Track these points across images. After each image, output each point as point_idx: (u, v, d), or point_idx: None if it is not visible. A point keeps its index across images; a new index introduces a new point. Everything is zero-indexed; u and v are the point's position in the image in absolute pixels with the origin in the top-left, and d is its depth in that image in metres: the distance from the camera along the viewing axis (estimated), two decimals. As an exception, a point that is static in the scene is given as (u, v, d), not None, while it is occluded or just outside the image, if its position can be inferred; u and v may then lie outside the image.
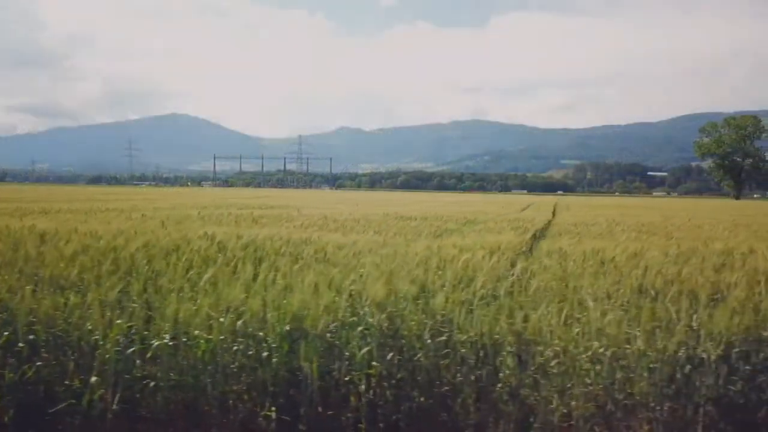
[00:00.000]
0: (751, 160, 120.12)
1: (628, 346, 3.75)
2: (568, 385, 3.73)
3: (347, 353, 3.70)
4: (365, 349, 3.65)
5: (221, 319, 3.82)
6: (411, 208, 22.95)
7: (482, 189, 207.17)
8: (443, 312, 3.88)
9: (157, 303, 4.07)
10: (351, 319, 3.85)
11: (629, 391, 3.74)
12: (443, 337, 3.78)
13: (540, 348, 3.73)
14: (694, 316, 3.97)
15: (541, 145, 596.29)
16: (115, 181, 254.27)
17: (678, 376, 3.72)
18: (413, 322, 3.83)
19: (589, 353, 3.73)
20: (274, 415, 3.57)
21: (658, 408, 3.69)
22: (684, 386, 3.72)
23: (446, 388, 3.81)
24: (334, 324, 3.83)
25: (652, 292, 4.53)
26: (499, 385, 3.77)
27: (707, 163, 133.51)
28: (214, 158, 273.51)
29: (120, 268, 4.94)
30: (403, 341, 3.82)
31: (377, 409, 3.78)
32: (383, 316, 3.79)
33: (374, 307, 3.82)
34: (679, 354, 3.72)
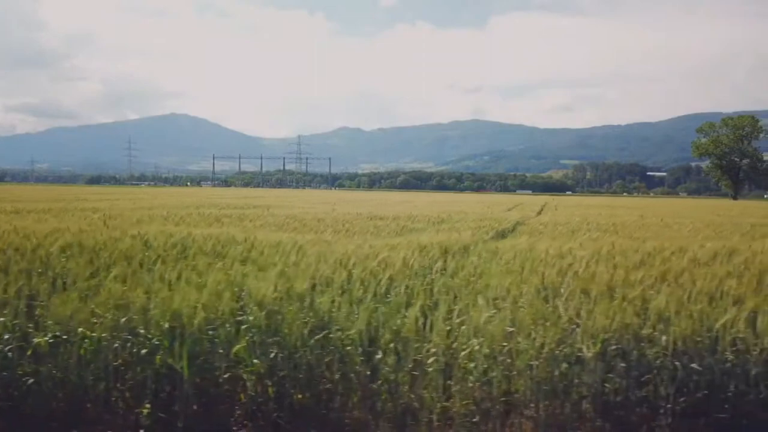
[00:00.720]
0: (748, 160, 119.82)
1: (505, 344, 3.77)
2: (448, 383, 3.75)
3: (221, 350, 3.72)
4: (238, 346, 3.67)
5: (107, 316, 3.84)
6: (392, 209, 22.95)
7: (481, 189, 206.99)
8: (327, 310, 3.90)
9: (50, 301, 4.09)
10: (232, 317, 3.87)
11: (507, 389, 3.76)
12: (321, 335, 3.80)
13: (417, 346, 3.75)
14: (579, 314, 3.99)
15: (540, 145, 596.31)
16: (114, 181, 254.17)
17: (555, 373, 3.74)
18: (295, 320, 3.85)
19: (467, 351, 3.75)
20: (148, 412, 3.59)
21: (533, 405, 3.72)
22: (561, 383, 3.74)
23: (328, 385, 3.83)
24: (217, 321, 3.85)
25: (550, 291, 4.54)
26: (379, 382, 3.79)
27: (705, 164, 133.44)
28: (213, 158, 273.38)
29: (32, 267, 4.97)
30: (285, 339, 3.84)
31: (259, 407, 3.81)
32: (263, 313, 3.81)
33: (256, 304, 3.85)
34: (557, 351, 3.74)
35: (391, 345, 3.77)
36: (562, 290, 4.55)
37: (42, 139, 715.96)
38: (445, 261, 6.07)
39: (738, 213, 30.33)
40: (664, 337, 3.78)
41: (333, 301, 3.95)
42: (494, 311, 3.91)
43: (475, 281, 5.01)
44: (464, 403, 3.73)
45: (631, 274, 5.10)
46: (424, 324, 3.90)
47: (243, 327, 3.86)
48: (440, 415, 3.74)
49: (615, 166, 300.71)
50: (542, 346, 3.72)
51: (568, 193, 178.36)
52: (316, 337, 3.77)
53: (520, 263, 5.97)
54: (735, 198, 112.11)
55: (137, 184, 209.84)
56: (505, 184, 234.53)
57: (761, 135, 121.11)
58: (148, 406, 3.61)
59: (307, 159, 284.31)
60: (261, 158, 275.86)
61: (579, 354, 3.74)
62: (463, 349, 3.74)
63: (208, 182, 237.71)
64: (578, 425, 3.78)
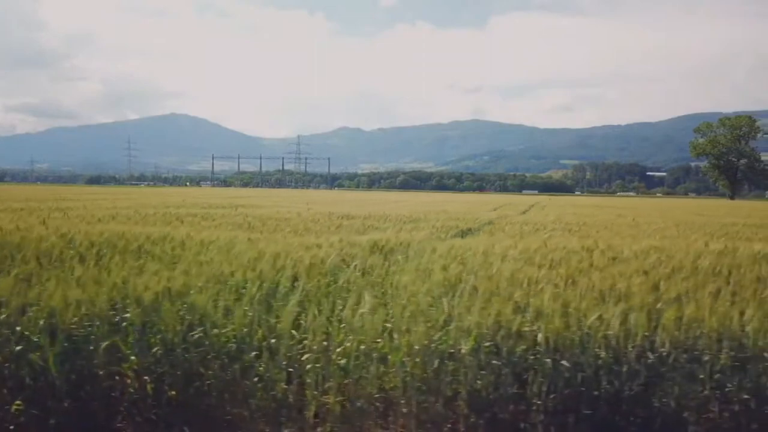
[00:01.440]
0: (745, 161, 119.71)
1: (380, 341, 3.78)
2: (323, 380, 3.76)
3: (93, 347, 3.73)
4: (106, 343, 3.68)
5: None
6: (371, 208, 22.98)
7: (481, 189, 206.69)
8: (203, 308, 3.91)
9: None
10: (111, 314, 3.89)
11: (381, 385, 3.77)
12: (197, 332, 3.81)
13: (291, 343, 3.76)
14: (465, 311, 4.00)
15: (540, 145, 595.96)
16: (114, 181, 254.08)
17: (429, 369, 3.75)
18: (172, 318, 3.86)
19: (341, 348, 3.76)
20: (17, 409, 3.60)
21: (405, 402, 3.73)
22: (435, 380, 3.75)
23: (207, 382, 3.84)
24: (95, 318, 3.86)
25: (448, 288, 4.54)
26: (255, 379, 3.80)
27: (703, 164, 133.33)
28: (213, 158, 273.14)
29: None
30: (164, 336, 3.85)
31: (137, 404, 3.81)
32: (138, 310, 3.82)
33: (134, 301, 3.86)
34: (431, 348, 3.75)
35: (265, 343, 3.78)
36: (459, 288, 4.56)
37: (42, 139, 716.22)
38: (367, 259, 6.08)
39: (724, 213, 30.34)
40: (539, 335, 3.78)
41: (215, 300, 3.96)
42: (370, 308, 3.91)
43: (381, 279, 5.03)
44: (339, 399, 3.74)
45: (541, 272, 5.12)
46: (320, 321, 3.90)
47: (124, 324, 3.87)
48: (317, 411, 3.75)
49: (615, 166, 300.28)
50: (415, 342, 3.73)
51: (576, 193, 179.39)
52: (192, 334, 3.79)
53: (442, 262, 5.98)
54: (732, 198, 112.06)
55: (137, 184, 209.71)
56: (504, 184, 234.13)
57: (758, 135, 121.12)
58: (18, 403, 3.62)
59: (306, 159, 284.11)
60: (260, 158, 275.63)
61: (452, 351, 3.75)
62: (338, 346, 3.75)
63: (208, 182, 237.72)
64: (453, 422, 3.79)
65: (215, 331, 3.81)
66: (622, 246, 6.89)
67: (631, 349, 3.74)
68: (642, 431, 3.74)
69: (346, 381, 3.75)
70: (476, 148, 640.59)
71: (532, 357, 3.74)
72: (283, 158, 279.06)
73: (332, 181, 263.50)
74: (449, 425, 3.79)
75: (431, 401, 3.75)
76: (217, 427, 3.79)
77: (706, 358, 3.73)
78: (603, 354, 3.74)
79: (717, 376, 3.74)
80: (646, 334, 3.79)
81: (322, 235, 8.93)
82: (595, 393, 3.76)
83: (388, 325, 3.88)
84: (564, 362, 3.69)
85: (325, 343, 3.75)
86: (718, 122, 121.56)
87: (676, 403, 3.70)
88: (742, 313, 4.00)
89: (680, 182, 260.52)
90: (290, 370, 3.78)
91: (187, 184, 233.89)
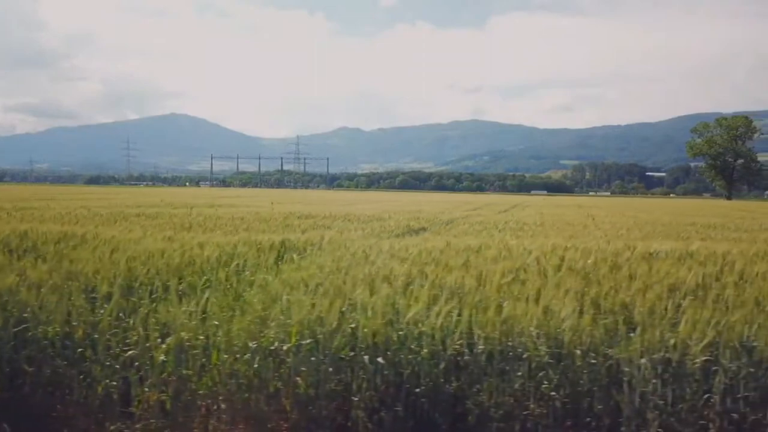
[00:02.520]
0: (742, 161, 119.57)
1: (201, 337, 3.81)
2: (146, 376, 3.79)
3: None
4: None
5: None
6: (340, 209, 23.06)
7: (480, 189, 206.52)
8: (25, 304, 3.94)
9: None
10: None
11: (205, 382, 3.80)
12: (19, 329, 3.84)
13: (111, 339, 3.79)
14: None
15: (540, 146, 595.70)
16: (113, 181, 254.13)
17: (250, 366, 3.78)
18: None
19: (165, 345, 3.79)
20: None
21: (221, 397, 3.76)
22: (255, 377, 3.78)
23: (31, 379, 3.87)
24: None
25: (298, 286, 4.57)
26: (81, 376, 3.83)
27: (699, 164, 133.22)
28: (212, 159, 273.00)
29: None
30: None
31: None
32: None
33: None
34: (251, 345, 3.78)
35: (88, 340, 3.81)
36: (311, 285, 4.58)
37: (42, 139, 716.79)
38: (259, 257, 6.11)
39: (703, 213, 30.29)
40: (363, 331, 3.81)
41: (40, 297, 4.00)
42: (200, 306, 3.95)
43: (239, 278, 5.06)
44: (162, 396, 3.77)
45: (412, 269, 5.14)
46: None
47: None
48: (140, 406, 3.78)
49: (614, 167, 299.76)
50: (234, 338, 3.76)
51: (591, 193, 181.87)
52: (15, 330, 3.82)
53: (329, 260, 6.01)
54: (729, 198, 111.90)
55: (136, 185, 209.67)
56: (504, 184, 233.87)
57: (755, 135, 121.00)
58: None
59: (305, 159, 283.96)
60: (259, 158, 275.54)
61: (272, 348, 3.78)
62: (157, 342, 3.79)
63: (207, 183, 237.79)
64: (277, 420, 3.82)
65: (41, 328, 3.84)
66: (525, 244, 6.92)
67: (451, 346, 3.76)
68: (463, 428, 3.76)
69: (169, 377, 3.78)
70: (476, 148, 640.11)
71: (352, 354, 3.77)
72: (282, 158, 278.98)
73: (332, 181, 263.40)
74: (273, 423, 3.82)
75: (253, 399, 3.78)
76: (41, 424, 3.82)
77: (525, 355, 3.76)
78: (424, 351, 3.76)
79: (538, 373, 3.76)
80: (468, 332, 3.81)
81: (242, 233, 8.95)
82: (417, 390, 3.79)
83: (216, 322, 3.90)
84: (380, 359, 3.71)
85: (150, 339, 3.78)
86: (714, 122, 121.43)
87: (494, 400, 3.73)
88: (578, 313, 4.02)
89: (680, 182, 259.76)
90: (116, 366, 3.81)
91: (187, 184, 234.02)
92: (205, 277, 4.89)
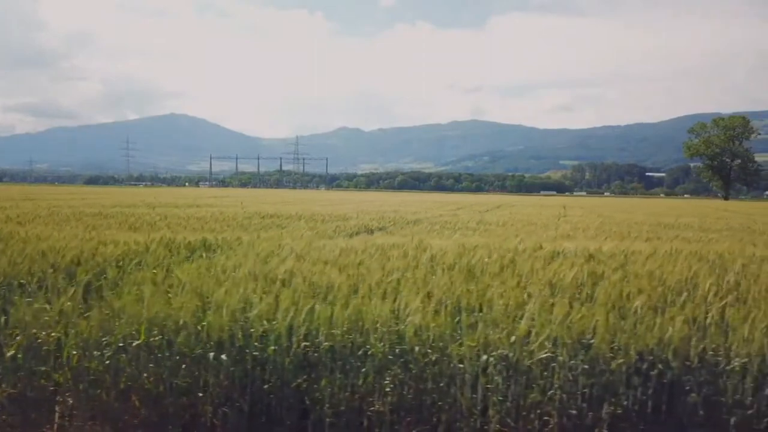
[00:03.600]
0: (739, 161, 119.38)
1: (54, 334, 3.87)
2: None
3: None
4: None
5: None
6: (311, 208, 23.15)
7: (479, 190, 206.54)
8: None
9: None
10: None
11: (54, 378, 3.86)
12: None
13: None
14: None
15: (540, 146, 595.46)
16: (112, 181, 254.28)
17: (102, 363, 3.84)
18: None
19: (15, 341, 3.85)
20: None
21: (70, 394, 3.81)
22: (106, 373, 3.83)
23: None
24: None
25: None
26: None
27: (697, 165, 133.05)
28: (211, 159, 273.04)
29: None
30: None
31: None
32: None
33: None
34: (103, 340, 3.84)
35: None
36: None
37: (41, 139, 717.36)
38: (165, 256, 6.17)
39: (687, 213, 30.26)
40: (207, 329, 3.86)
41: None
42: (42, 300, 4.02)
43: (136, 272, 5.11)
44: (11, 391, 3.83)
45: (313, 267, 5.21)
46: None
47: None
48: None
49: (614, 167, 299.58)
50: (85, 333, 3.82)
51: (606, 194, 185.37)
52: None
53: (237, 258, 6.06)
54: (726, 198, 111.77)
55: (136, 185, 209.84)
56: (503, 184, 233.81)
57: (752, 135, 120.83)
58: None
59: (304, 159, 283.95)
60: (258, 158, 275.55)
61: (121, 344, 3.83)
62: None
63: (206, 183, 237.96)
64: (128, 416, 3.87)
65: None
66: (446, 243, 6.99)
67: (296, 343, 3.82)
68: (310, 423, 3.82)
69: (19, 374, 3.83)
70: (476, 149, 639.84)
71: (200, 350, 3.82)
72: (281, 158, 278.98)
73: (331, 181, 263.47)
74: (124, 419, 3.88)
75: (104, 395, 3.83)
76: None
77: (370, 351, 3.81)
78: (271, 348, 3.82)
79: (383, 370, 3.82)
80: (317, 328, 3.87)
81: (181, 232, 9.01)
82: (265, 387, 3.84)
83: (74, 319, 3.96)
84: (223, 356, 3.77)
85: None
86: (711, 123, 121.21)
87: (338, 396, 3.79)
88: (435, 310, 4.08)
89: (679, 183, 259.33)
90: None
91: (186, 184, 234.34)
92: (89, 275, 4.94)
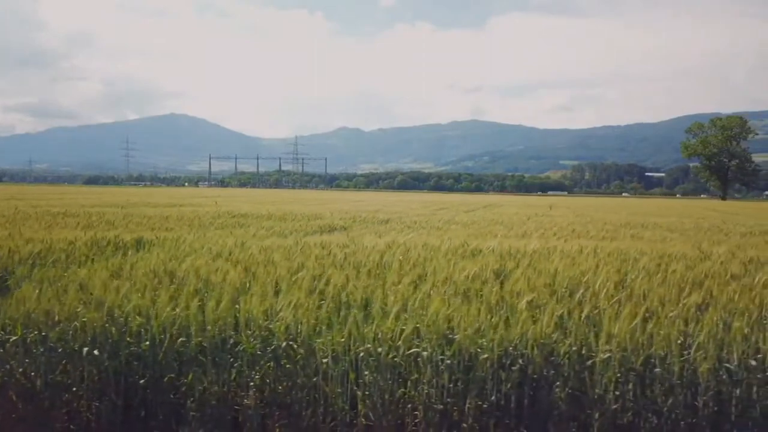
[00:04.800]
0: (737, 161, 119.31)
1: None
2: None
3: None
4: None
5: None
6: (296, 208, 23.21)
7: (479, 190, 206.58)
8: None
9: None
10: None
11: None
12: None
13: None
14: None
15: (540, 146, 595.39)
16: (112, 181, 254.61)
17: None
18: None
19: None
20: None
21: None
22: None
23: None
24: None
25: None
26: None
27: (694, 165, 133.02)
28: (210, 159, 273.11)
29: None
30: None
31: None
32: None
33: None
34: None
35: None
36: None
37: (41, 139, 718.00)
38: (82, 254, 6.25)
39: (671, 214, 30.30)
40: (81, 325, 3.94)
41: None
42: None
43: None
44: None
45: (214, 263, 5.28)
46: None
47: None
48: None
49: (613, 167, 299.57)
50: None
51: (624, 194, 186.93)
52: None
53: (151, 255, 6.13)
54: (724, 198, 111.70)
55: (135, 185, 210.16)
56: (503, 184, 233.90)
57: (750, 135, 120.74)
58: None
59: (303, 159, 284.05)
60: (257, 158, 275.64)
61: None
62: None
63: (206, 183, 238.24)
64: (6, 412, 3.94)
65: None
66: (384, 241, 7.09)
67: (169, 339, 3.89)
68: (185, 416, 3.89)
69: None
70: (476, 149, 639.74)
71: (76, 346, 3.89)
72: (280, 158, 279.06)
73: (331, 181, 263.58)
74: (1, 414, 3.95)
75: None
76: None
77: (242, 347, 3.89)
78: (144, 344, 3.89)
79: (259, 364, 3.89)
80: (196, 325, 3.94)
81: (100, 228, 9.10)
82: (141, 382, 3.92)
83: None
84: (96, 351, 3.84)
85: None
86: (709, 123, 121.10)
87: (210, 390, 3.86)
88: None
89: (679, 183, 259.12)
90: None
91: (186, 184, 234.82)
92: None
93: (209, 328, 3.89)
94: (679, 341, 3.89)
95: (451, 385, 3.82)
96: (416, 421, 3.85)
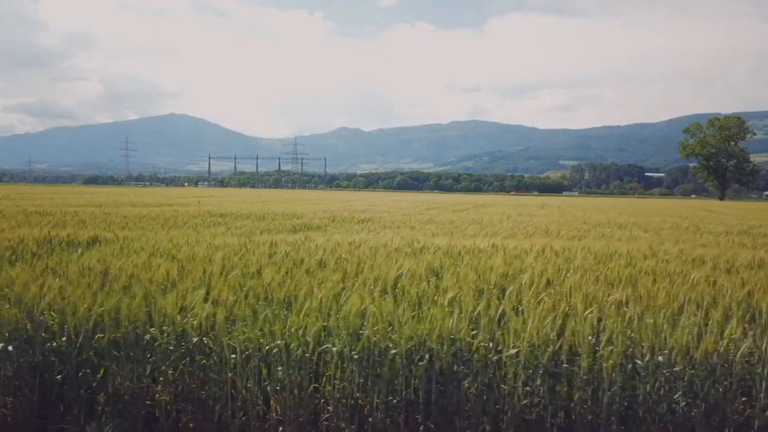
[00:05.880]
0: (735, 161, 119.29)
1: None
2: None
3: None
4: None
5: None
6: (273, 207, 23.28)
7: (478, 190, 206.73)
8: None
9: None
10: None
11: None
12: None
13: None
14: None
15: (540, 146, 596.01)
16: (112, 181, 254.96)
17: None
18: None
19: None
20: None
21: None
22: None
23: None
24: None
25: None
26: None
27: (692, 165, 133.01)
28: (209, 159, 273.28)
29: None
30: None
31: None
32: None
33: None
34: None
35: None
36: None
37: (41, 139, 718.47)
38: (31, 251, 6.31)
39: (658, 213, 30.35)
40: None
41: None
42: None
43: None
44: None
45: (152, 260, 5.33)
46: None
47: None
48: None
49: (613, 167, 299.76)
50: None
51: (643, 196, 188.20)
52: None
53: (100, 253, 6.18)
54: (722, 198, 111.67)
55: (135, 185, 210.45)
56: (502, 184, 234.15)
57: (747, 135, 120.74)
58: None
59: (302, 159, 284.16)
60: (257, 158, 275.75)
61: None
62: None
63: (205, 183, 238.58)
64: None
65: None
66: (336, 240, 7.15)
67: (83, 334, 3.95)
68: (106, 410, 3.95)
69: None
70: (475, 149, 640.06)
71: None
72: (279, 158, 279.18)
73: (331, 181, 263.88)
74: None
75: None
76: None
77: (157, 343, 3.94)
78: (62, 339, 3.94)
79: (173, 360, 3.94)
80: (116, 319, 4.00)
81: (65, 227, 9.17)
82: (58, 377, 3.97)
83: None
84: (10, 347, 3.89)
85: None
86: (707, 123, 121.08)
87: (124, 384, 3.92)
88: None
89: (678, 183, 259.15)
90: None
91: (185, 184, 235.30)
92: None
93: (124, 323, 3.94)
94: (590, 337, 3.94)
95: (362, 380, 3.87)
96: (326, 416, 3.91)
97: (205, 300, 4.12)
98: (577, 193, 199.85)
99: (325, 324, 3.94)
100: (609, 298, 4.60)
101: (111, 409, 3.91)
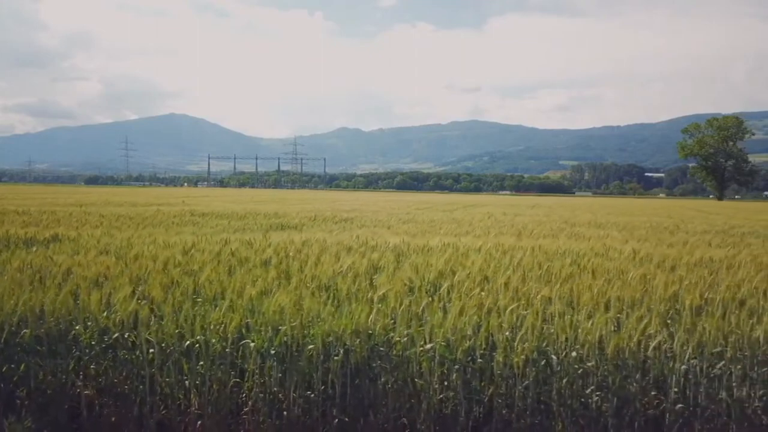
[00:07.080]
0: (733, 161, 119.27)
1: None
2: None
3: None
4: None
5: None
6: (263, 207, 23.33)
7: (478, 190, 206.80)
8: None
9: None
10: None
11: None
12: None
13: None
14: None
15: (540, 146, 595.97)
16: (111, 181, 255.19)
17: None
18: None
19: None
20: None
21: None
22: None
23: None
24: None
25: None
26: None
27: (691, 165, 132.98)
28: (209, 159, 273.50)
29: None
30: None
31: None
32: None
33: None
34: None
35: None
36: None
37: (41, 139, 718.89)
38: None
39: (647, 213, 30.41)
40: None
41: None
42: None
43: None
44: None
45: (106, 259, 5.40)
46: None
47: None
48: None
49: (613, 167, 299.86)
50: None
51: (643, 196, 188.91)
52: None
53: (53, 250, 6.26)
54: (721, 198, 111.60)
55: (135, 185, 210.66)
56: (502, 184, 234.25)
57: (746, 136, 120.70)
58: None
59: (302, 160, 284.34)
60: (256, 159, 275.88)
61: None
62: None
63: (205, 183, 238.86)
64: None
65: None
66: (300, 238, 7.23)
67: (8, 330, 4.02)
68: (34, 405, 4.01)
69: None
70: (475, 149, 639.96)
71: None
72: (279, 159, 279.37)
73: (330, 181, 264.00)
74: None
75: None
76: None
77: (81, 339, 4.01)
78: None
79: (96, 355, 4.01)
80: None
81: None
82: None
83: None
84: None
85: None
86: (706, 123, 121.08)
87: (47, 379, 3.99)
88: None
89: (678, 183, 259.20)
90: None
91: (185, 184, 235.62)
92: None
93: (48, 319, 4.01)
94: (507, 333, 4.01)
95: (280, 375, 3.94)
96: (246, 410, 3.97)
97: (133, 296, 4.20)
98: (576, 193, 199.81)
99: (248, 321, 4.01)
100: (538, 296, 4.67)
101: (31, 403, 3.98)
